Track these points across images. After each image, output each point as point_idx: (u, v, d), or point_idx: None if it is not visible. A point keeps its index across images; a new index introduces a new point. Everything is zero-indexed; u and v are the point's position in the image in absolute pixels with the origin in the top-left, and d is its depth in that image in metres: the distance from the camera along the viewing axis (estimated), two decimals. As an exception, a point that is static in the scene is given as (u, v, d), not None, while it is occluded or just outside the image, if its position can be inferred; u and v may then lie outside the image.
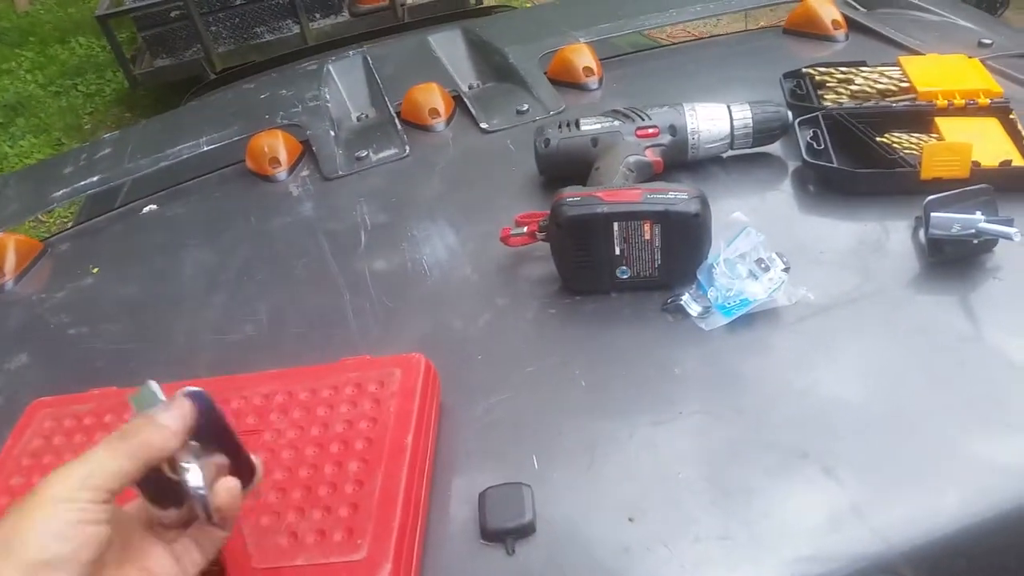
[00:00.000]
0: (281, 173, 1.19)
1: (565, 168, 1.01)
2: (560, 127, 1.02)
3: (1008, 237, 0.79)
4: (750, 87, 1.19)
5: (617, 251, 0.84)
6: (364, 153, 1.18)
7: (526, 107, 1.23)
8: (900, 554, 0.62)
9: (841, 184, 0.97)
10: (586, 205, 0.83)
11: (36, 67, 5.01)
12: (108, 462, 0.49)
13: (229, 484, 0.55)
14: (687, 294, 0.84)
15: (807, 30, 1.36)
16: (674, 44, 1.63)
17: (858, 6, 1.51)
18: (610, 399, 0.77)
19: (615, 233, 0.83)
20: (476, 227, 1.00)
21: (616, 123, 1.01)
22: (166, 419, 0.52)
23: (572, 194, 0.85)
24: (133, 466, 0.50)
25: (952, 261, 0.84)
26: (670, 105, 1.03)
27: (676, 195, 0.83)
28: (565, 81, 1.30)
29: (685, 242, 0.83)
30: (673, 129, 1.01)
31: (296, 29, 3.76)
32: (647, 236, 0.83)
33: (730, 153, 1.04)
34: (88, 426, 0.73)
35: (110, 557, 0.50)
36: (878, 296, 0.83)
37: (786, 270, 0.84)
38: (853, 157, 0.99)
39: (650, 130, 1.00)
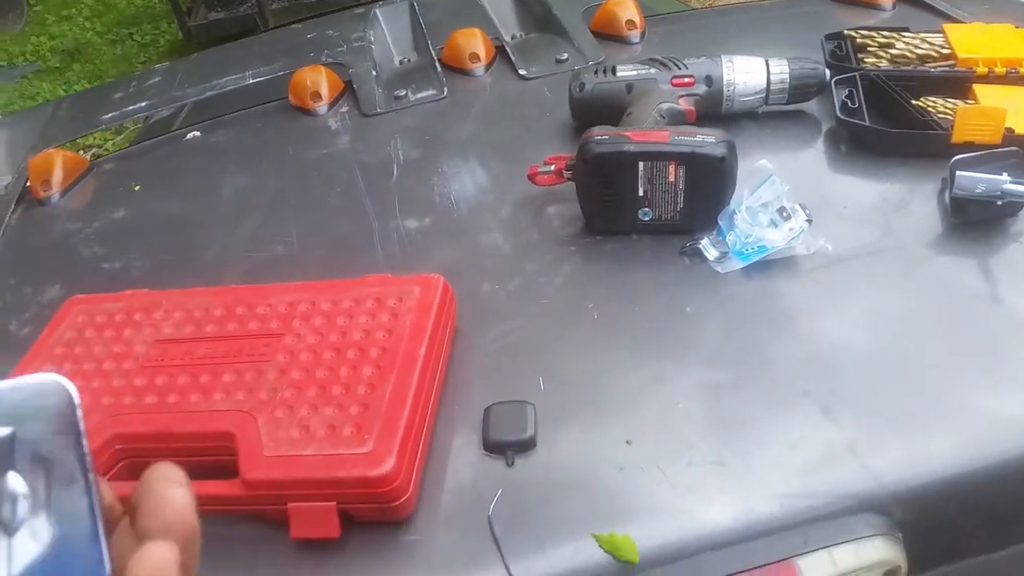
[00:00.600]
0: (322, 108, 1.21)
1: (599, 113, 1.01)
2: (596, 72, 1.03)
3: (1032, 199, 0.79)
4: (792, 50, 1.17)
5: (641, 191, 0.85)
6: (403, 92, 1.20)
7: (566, 56, 1.23)
8: (891, 494, 0.64)
9: (872, 143, 0.97)
10: (614, 143, 0.84)
11: (95, 15, 5.10)
12: None
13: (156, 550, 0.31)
14: (706, 239, 0.85)
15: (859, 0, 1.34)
16: (715, 7, 1.62)
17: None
18: (620, 333, 0.79)
19: (640, 173, 0.84)
20: (506, 167, 1.02)
21: (652, 71, 1.02)
22: None
23: (601, 132, 0.86)
24: None
25: (975, 223, 0.84)
26: (708, 56, 1.03)
27: (704, 138, 0.84)
28: (607, 34, 1.30)
29: (709, 186, 0.84)
30: (709, 80, 1.01)
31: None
32: (671, 178, 0.84)
33: (765, 109, 1.04)
34: (118, 322, 0.77)
35: None
36: (896, 252, 0.83)
37: (808, 221, 0.85)
38: (887, 119, 0.99)
39: (686, 79, 1.01)
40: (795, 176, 0.90)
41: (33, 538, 0.29)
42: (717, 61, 1.02)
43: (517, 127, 1.10)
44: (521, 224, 0.93)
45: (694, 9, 1.60)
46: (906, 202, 0.89)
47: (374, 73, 1.26)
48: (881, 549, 0.62)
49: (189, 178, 1.14)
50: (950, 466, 0.65)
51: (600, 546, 0.61)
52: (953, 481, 0.64)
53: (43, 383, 0.31)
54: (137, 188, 1.13)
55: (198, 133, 1.25)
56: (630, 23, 1.29)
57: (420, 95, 1.19)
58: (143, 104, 1.31)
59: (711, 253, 0.84)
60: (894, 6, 1.32)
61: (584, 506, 0.64)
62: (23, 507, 0.29)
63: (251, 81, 1.30)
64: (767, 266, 0.82)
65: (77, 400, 0.31)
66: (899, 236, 0.85)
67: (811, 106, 1.05)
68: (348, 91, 1.25)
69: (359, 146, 1.11)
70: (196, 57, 1.61)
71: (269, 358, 0.70)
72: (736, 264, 0.83)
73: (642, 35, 1.29)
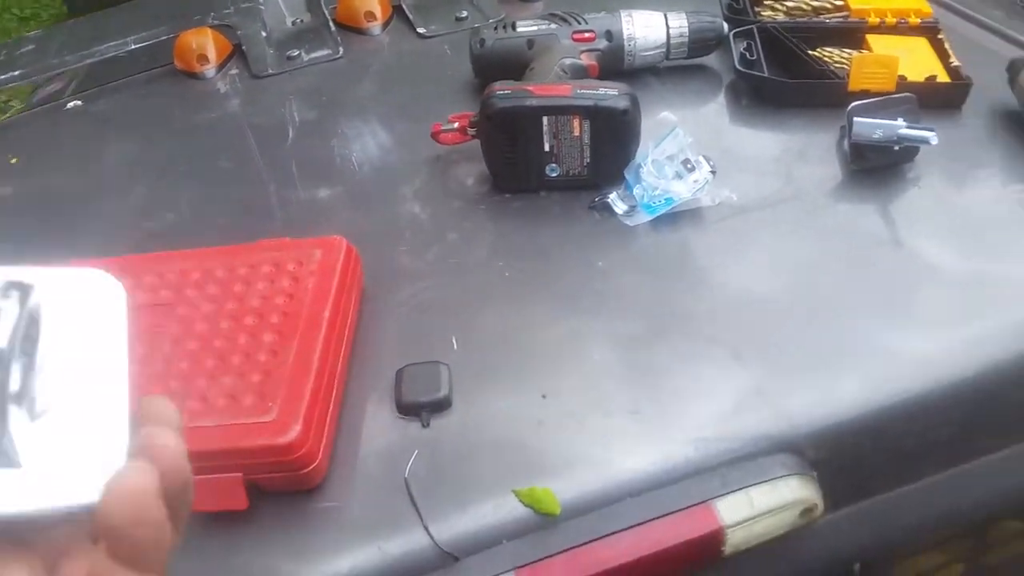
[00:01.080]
0: (209, 71, 1.15)
1: (500, 70, 0.99)
2: (496, 29, 1.01)
3: (926, 142, 0.81)
4: (691, 4, 1.18)
5: (547, 147, 0.84)
6: (296, 53, 1.15)
7: (465, 14, 1.20)
8: (803, 435, 0.65)
9: (772, 95, 0.98)
10: (516, 98, 0.82)
11: (-34, -10, 4.75)
12: None
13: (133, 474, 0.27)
14: (614, 193, 0.85)
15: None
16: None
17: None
18: (533, 290, 0.77)
19: (544, 128, 0.83)
20: (409, 126, 0.99)
21: (553, 26, 1.00)
22: None
23: (503, 87, 0.84)
24: None
25: (874, 169, 0.86)
26: (607, 11, 1.02)
27: (606, 91, 0.83)
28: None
29: (614, 139, 0.83)
30: (609, 35, 1.00)
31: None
32: (576, 132, 0.83)
33: (667, 63, 1.04)
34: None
35: None
36: (798, 200, 0.84)
37: (713, 172, 0.85)
38: (785, 70, 1.00)
39: (586, 34, 1.00)
40: (698, 129, 0.90)
41: (56, 424, 0.27)
42: (616, 16, 1.01)
43: (418, 86, 1.07)
44: (427, 185, 0.90)
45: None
46: (806, 151, 0.90)
47: (264, 34, 1.20)
48: (796, 488, 0.63)
49: (71, 149, 1.07)
50: (858, 405, 0.66)
51: (520, 501, 0.60)
52: (862, 419, 0.66)
53: (91, 275, 0.30)
54: (14, 161, 1.05)
55: (79, 102, 1.17)
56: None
57: (314, 55, 1.14)
58: (16, 73, 1.22)
59: (620, 207, 0.84)
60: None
61: (503, 462, 0.63)
62: (48, 389, 0.28)
63: (134, 47, 1.22)
64: (675, 218, 0.82)
65: (124, 296, 0.29)
66: (801, 184, 0.86)
67: (712, 60, 1.05)
68: (237, 54, 1.19)
69: (251, 109, 1.06)
70: (74, 23, 1.50)
71: (160, 329, 0.66)
72: (644, 217, 0.82)
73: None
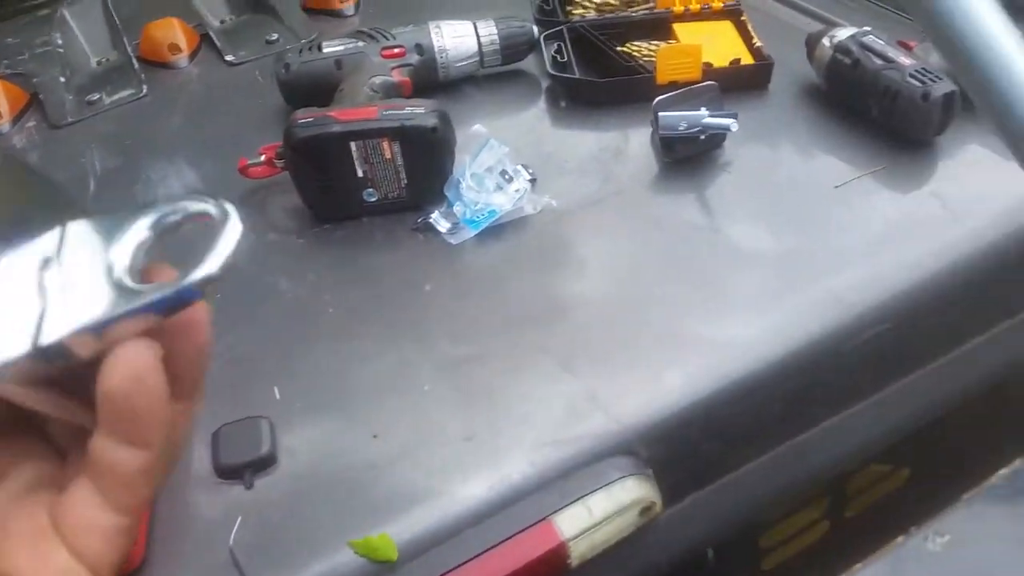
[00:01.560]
0: (4, 126, 1.07)
1: (310, 94, 0.96)
2: (302, 51, 0.98)
3: (727, 128, 0.83)
4: (504, 8, 1.18)
5: (360, 173, 0.81)
6: (96, 96, 1.08)
7: (275, 36, 1.16)
8: (634, 434, 0.65)
9: (586, 95, 0.98)
10: (319, 125, 0.80)
11: None
12: None
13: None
14: (437, 212, 0.83)
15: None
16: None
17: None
18: (359, 322, 0.75)
19: (354, 153, 0.80)
20: (218, 163, 0.94)
21: (361, 44, 0.98)
22: None
23: (305, 115, 0.81)
24: None
25: (685, 159, 0.88)
26: (416, 24, 1.00)
27: (413, 110, 0.81)
28: (320, 8, 1.24)
29: (427, 158, 0.82)
30: (420, 48, 0.98)
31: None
32: (388, 155, 0.81)
33: (484, 72, 1.03)
34: None
35: None
36: (618, 197, 0.85)
37: (532, 180, 0.85)
38: (597, 68, 1.01)
39: (396, 50, 0.98)
40: (518, 136, 0.90)
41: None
42: (425, 28, 0.99)
43: (228, 118, 1.02)
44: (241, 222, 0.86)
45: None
46: (621, 148, 0.91)
47: (63, 79, 1.13)
48: (633, 489, 0.63)
49: None
50: (683, 397, 0.67)
51: (356, 552, 0.58)
52: (688, 410, 0.67)
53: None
54: None
55: None
56: (341, -5, 1.24)
57: (116, 96, 1.08)
58: None
59: (443, 225, 0.82)
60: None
61: (335, 514, 0.60)
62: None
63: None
64: (500, 230, 0.82)
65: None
66: (619, 182, 0.87)
67: (529, 64, 1.05)
68: (35, 103, 1.11)
69: (50, 162, 0.99)
70: None
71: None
72: (468, 233, 0.81)
73: (356, 7, 1.24)
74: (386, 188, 0.83)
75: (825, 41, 0.93)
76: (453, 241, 0.81)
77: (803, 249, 0.78)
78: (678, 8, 1.07)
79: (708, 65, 0.97)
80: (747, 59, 0.99)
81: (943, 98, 0.83)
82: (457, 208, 0.82)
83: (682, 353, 0.69)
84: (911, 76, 0.85)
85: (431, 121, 0.80)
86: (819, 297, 0.74)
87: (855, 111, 0.91)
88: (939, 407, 0.85)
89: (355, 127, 0.79)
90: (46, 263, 0.29)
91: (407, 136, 0.80)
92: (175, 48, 1.14)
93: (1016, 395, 0.98)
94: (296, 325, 0.75)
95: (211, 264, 0.29)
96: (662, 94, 0.91)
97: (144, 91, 1.08)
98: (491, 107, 1.00)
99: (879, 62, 0.87)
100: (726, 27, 1.05)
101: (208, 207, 0.30)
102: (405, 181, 0.82)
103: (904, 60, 0.87)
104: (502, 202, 0.82)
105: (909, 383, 0.78)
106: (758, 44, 1.00)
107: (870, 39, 0.90)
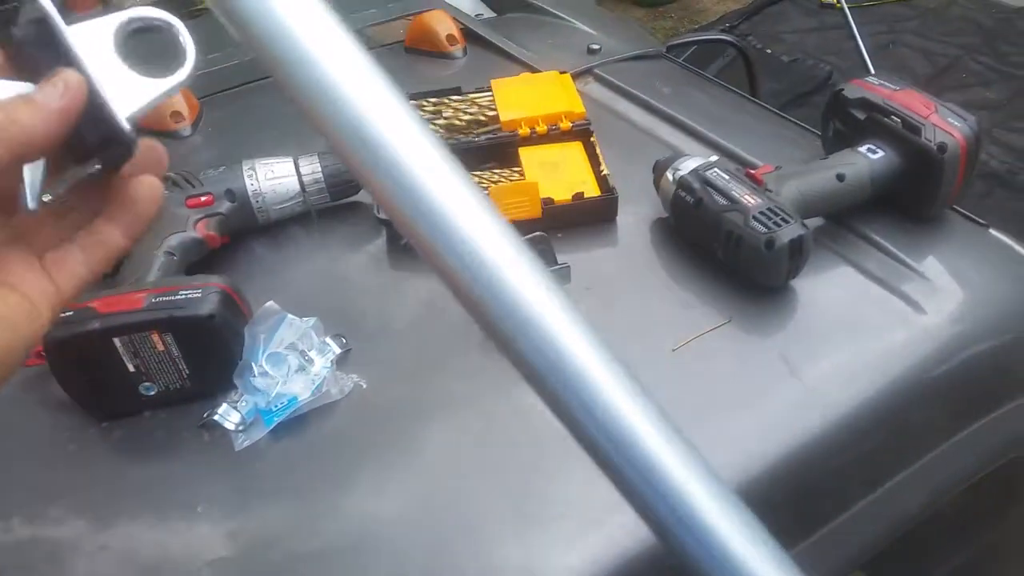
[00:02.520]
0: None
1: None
2: (97, 207, 0.87)
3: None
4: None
5: (131, 368, 0.71)
6: None
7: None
8: None
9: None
10: (76, 322, 0.69)
11: None
12: None
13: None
14: (226, 404, 0.73)
15: (425, 47, 1.28)
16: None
17: (488, 10, 1.47)
18: (120, 566, 0.64)
19: (120, 349, 0.70)
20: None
21: (164, 192, 0.88)
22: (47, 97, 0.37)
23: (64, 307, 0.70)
24: None
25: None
26: (228, 166, 0.91)
27: (188, 294, 0.71)
28: (153, 129, 1.14)
29: (207, 347, 0.72)
30: (231, 194, 0.89)
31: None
32: (160, 347, 0.71)
33: (316, 207, 0.94)
34: None
35: None
36: (435, 371, 0.76)
37: (347, 350, 0.76)
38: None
39: (203, 198, 0.88)
40: (343, 289, 0.82)
41: None
42: (237, 171, 0.90)
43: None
44: (5, 422, 0.75)
45: (262, 80, 1.40)
46: (447, 306, 0.82)
47: None
48: None
49: None
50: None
51: None
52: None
53: None
54: None
55: None
56: (176, 115, 1.13)
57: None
58: None
59: (231, 421, 0.72)
60: (465, 51, 1.27)
61: None
62: None
63: None
64: (297, 424, 0.72)
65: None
66: (439, 349, 0.77)
67: (368, 197, 0.96)
68: None
69: None
70: None
71: None
72: (261, 431, 0.71)
73: (194, 126, 1.14)
74: (165, 380, 0.72)
75: (669, 174, 0.85)
76: (239, 443, 0.71)
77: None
78: (524, 130, 0.98)
79: (549, 201, 0.88)
80: (593, 188, 0.91)
81: (789, 245, 0.76)
82: (247, 401, 0.72)
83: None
84: (755, 219, 0.77)
85: (207, 308, 0.70)
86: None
87: (703, 249, 0.83)
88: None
89: (117, 321, 0.69)
90: None
91: (179, 327, 0.70)
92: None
93: None
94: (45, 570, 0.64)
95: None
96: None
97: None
98: (318, 251, 0.91)
99: (721, 202, 0.80)
100: (575, 149, 0.97)
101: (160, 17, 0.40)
102: (187, 371, 0.72)
103: (748, 200, 0.79)
104: (300, 390, 0.72)
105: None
106: (605, 172, 0.91)
107: (714, 173, 0.82)
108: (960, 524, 0.97)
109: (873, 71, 2.50)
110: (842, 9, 2.84)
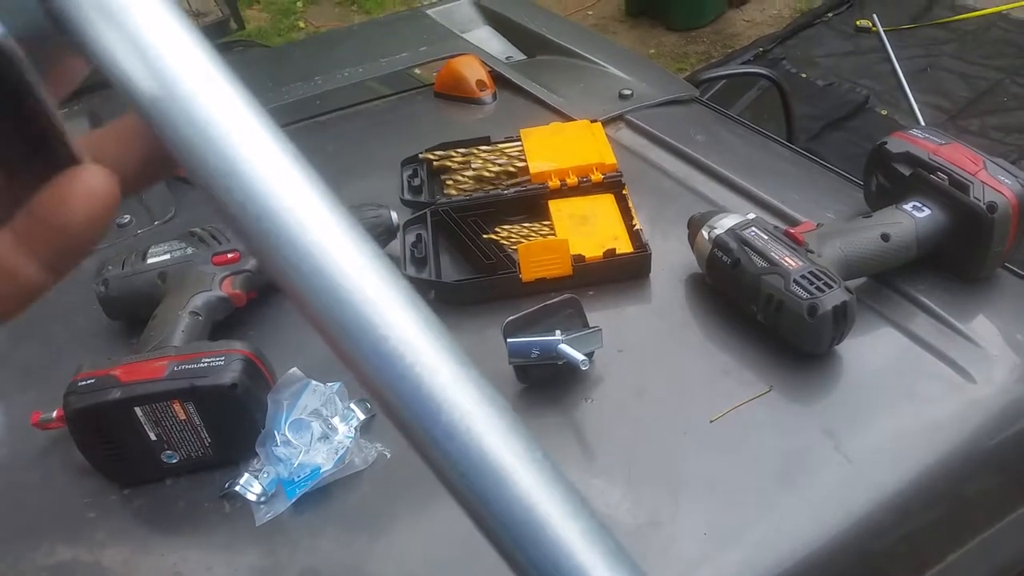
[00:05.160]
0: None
1: (132, 311, 0.86)
2: (124, 263, 0.86)
3: (577, 365, 0.71)
4: (401, 151, 1.06)
5: (153, 436, 0.70)
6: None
7: (128, 219, 1.05)
8: None
9: (448, 296, 0.87)
10: (97, 391, 0.68)
11: None
12: None
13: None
14: (247, 474, 0.71)
15: (454, 93, 1.27)
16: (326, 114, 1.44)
17: (519, 52, 1.46)
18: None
19: (141, 419, 0.69)
20: (26, 399, 0.82)
21: (190, 250, 0.87)
22: None
23: (86, 375, 0.69)
24: None
25: (543, 383, 0.76)
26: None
27: (210, 362, 0.69)
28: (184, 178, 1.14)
29: (229, 416, 0.70)
30: (258, 251, 0.87)
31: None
32: (182, 416, 0.69)
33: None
34: None
35: None
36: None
37: (372, 416, 0.74)
38: (465, 256, 0.91)
39: (229, 255, 0.87)
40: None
41: None
42: (264, 227, 0.88)
43: (47, 336, 0.91)
44: (22, 490, 0.74)
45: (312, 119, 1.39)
46: (481, 359, 0.80)
47: None
48: None
49: None
50: None
51: None
52: None
53: None
54: None
55: None
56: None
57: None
58: None
59: (253, 492, 0.70)
60: (495, 96, 1.26)
61: None
62: None
63: None
64: (321, 495, 0.70)
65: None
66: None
67: (396, 249, 0.94)
68: None
69: None
70: None
71: None
72: (283, 504, 0.69)
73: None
74: (187, 448, 0.71)
75: (705, 232, 0.82)
76: (260, 518, 0.68)
77: (665, 518, 0.66)
78: (554, 183, 0.96)
79: (580, 258, 0.86)
80: (625, 243, 0.88)
81: (832, 312, 0.72)
82: (269, 472, 0.70)
83: None
84: (796, 283, 0.74)
85: (230, 377, 0.68)
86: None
87: (741, 309, 0.80)
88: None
89: (139, 391, 0.68)
90: None
91: (201, 396, 0.68)
92: None
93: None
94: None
95: None
96: (531, 291, 0.81)
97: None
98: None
99: (760, 264, 0.77)
100: (606, 202, 0.95)
101: None
102: (208, 439, 0.71)
103: (788, 262, 0.76)
104: (323, 460, 0.70)
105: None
106: (637, 227, 0.89)
107: (752, 232, 0.79)
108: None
109: (911, 96, 2.47)
110: (878, 32, 2.82)
